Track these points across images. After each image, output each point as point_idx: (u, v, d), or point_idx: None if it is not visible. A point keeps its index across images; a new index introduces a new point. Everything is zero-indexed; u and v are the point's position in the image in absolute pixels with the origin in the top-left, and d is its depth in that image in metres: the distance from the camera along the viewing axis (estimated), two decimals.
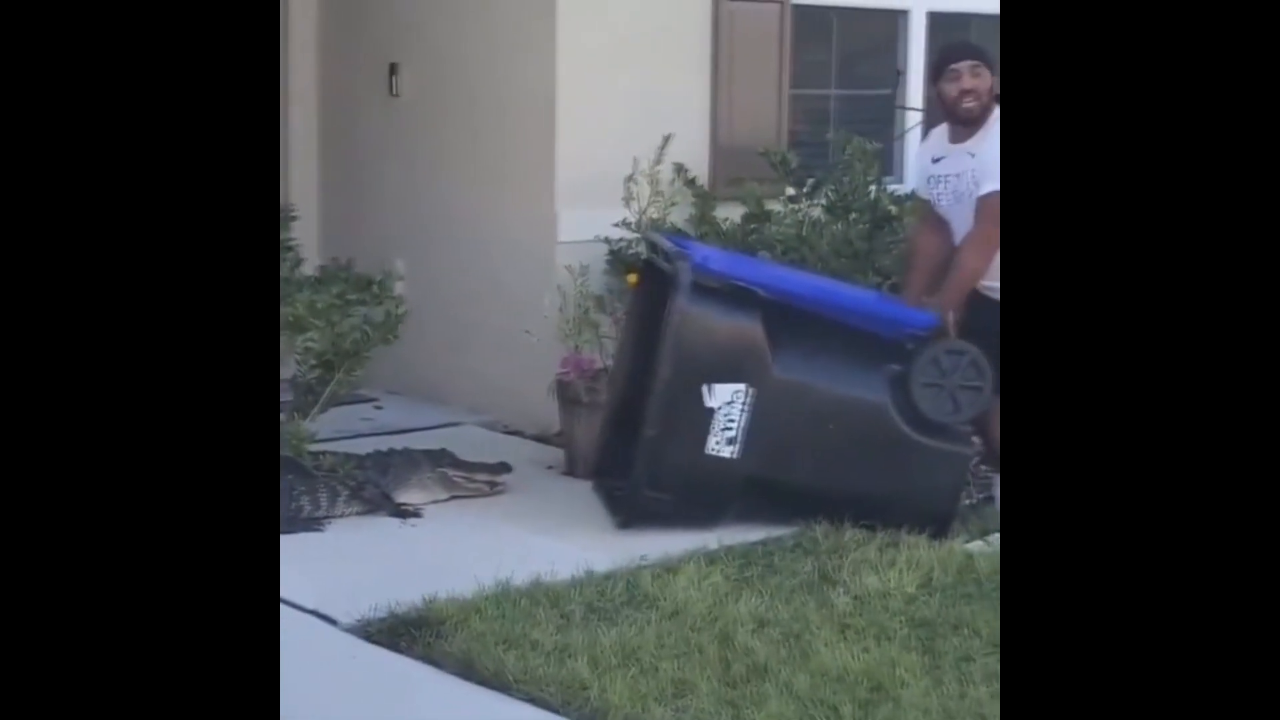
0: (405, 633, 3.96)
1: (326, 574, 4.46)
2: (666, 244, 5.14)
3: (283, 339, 5.15)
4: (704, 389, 4.75)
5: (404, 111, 6.72)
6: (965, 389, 4.88)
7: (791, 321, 4.91)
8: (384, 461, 5.18)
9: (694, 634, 4.00)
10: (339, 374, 5.11)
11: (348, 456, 5.14)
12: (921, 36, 7.19)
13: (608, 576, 4.40)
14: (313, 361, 5.15)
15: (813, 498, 4.88)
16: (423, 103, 6.65)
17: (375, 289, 5.12)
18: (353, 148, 6.95)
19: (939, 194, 5.20)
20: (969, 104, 5.06)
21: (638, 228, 5.87)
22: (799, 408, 4.84)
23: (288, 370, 5.37)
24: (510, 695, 3.65)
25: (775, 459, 4.83)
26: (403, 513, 5.05)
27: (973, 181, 5.02)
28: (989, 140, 4.97)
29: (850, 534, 4.79)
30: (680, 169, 6.15)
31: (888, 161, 6.92)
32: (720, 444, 4.79)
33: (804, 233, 5.99)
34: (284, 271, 5.23)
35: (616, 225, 5.91)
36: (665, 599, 4.24)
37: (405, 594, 4.16)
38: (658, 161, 5.91)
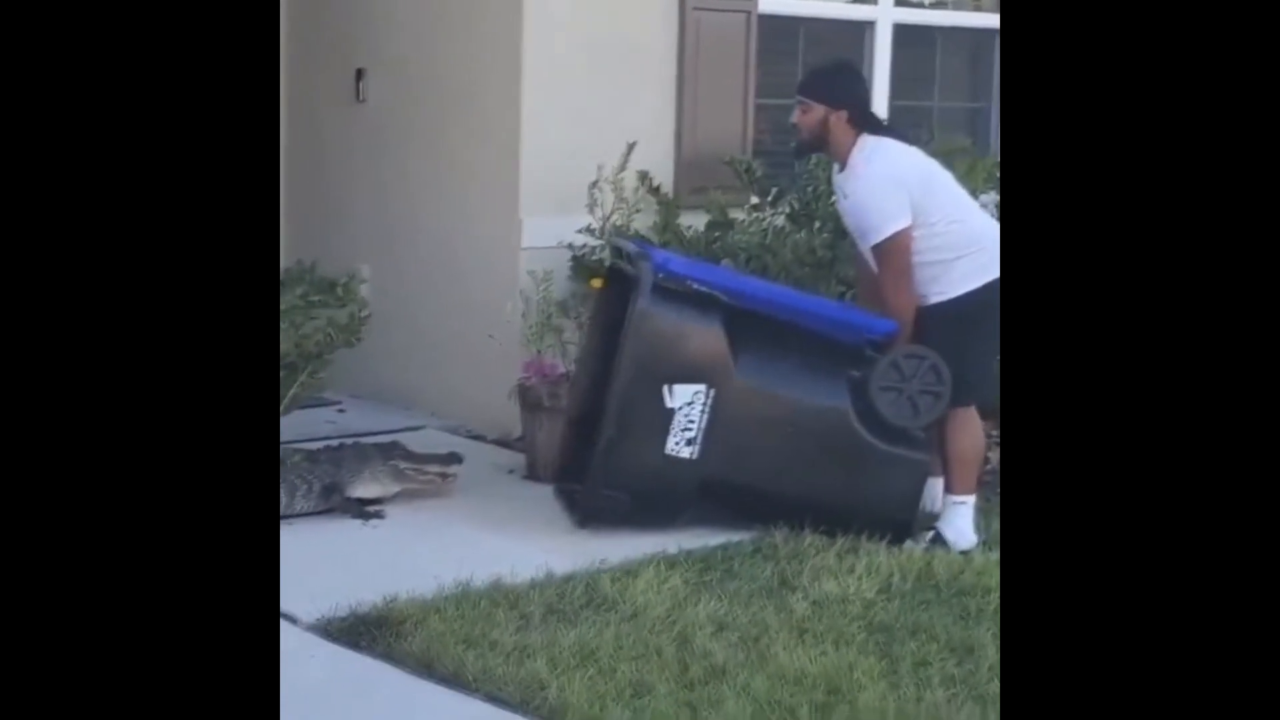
0: (366, 632, 3.97)
1: (287, 573, 4.44)
2: (630, 247, 5.17)
3: None
4: (664, 390, 4.77)
5: (370, 117, 6.73)
6: (925, 394, 4.92)
7: (753, 326, 4.95)
8: (336, 456, 5.15)
9: (653, 636, 4.02)
10: (303, 376, 5.12)
11: (308, 454, 5.13)
12: (888, 48, 7.24)
13: (568, 579, 4.42)
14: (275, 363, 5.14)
15: (771, 501, 4.91)
16: (388, 108, 6.66)
17: (339, 291, 5.12)
18: (318, 152, 6.96)
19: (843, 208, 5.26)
20: (796, 136, 5.23)
21: (601, 234, 5.89)
22: (759, 411, 4.87)
23: None
24: (469, 694, 3.67)
25: (734, 461, 4.86)
26: (364, 513, 5.04)
27: (854, 221, 5.10)
28: (856, 182, 5.01)
29: (810, 539, 4.82)
30: (645, 176, 6.17)
31: None
32: (680, 445, 4.81)
33: (767, 240, 6.02)
34: None
35: (580, 231, 5.93)
36: (625, 602, 4.26)
37: (366, 594, 4.17)
38: (622, 168, 5.94)
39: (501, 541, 4.82)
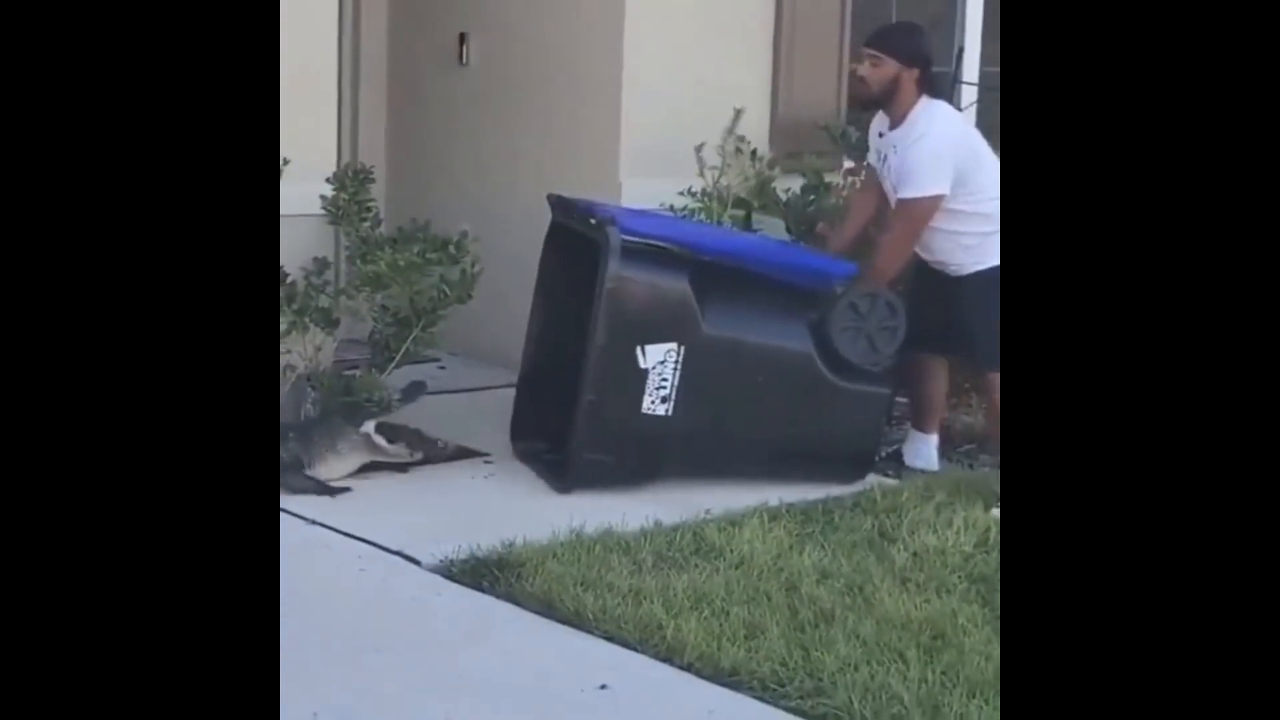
0: (486, 573, 4.13)
1: (407, 519, 4.65)
2: (583, 207, 5.20)
3: (361, 296, 5.34)
4: (638, 350, 4.85)
5: (472, 80, 6.88)
6: (882, 330, 5.09)
7: (716, 278, 5.02)
8: (306, 432, 5.00)
9: (761, 582, 4.17)
10: (415, 331, 5.28)
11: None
12: (979, 14, 7.31)
13: (675, 528, 4.57)
14: (389, 319, 5.32)
15: (744, 447, 5.06)
16: (490, 72, 6.81)
17: (452, 249, 5.27)
18: (421, 114, 7.12)
19: (884, 167, 5.36)
20: (860, 89, 5.34)
21: (705, 196, 6.03)
22: (728, 362, 4.96)
23: (365, 327, 5.56)
24: (589, 633, 3.83)
25: (707, 413, 4.95)
26: (329, 489, 4.86)
27: (895, 176, 5.21)
28: (917, 142, 5.12)
29: (907, 494, 4.95)
30: (742, 139, 6.30)
31: None
32: (655, 403, 4.89)
33: None
34: (363, 231, 5.41)
35: (681, 194, 6.07)
36: (731, 550, 4.41)
37: (483, 538, 4.34)
38: (731, 131, 6.08)
39: (606, 494, 4.92)
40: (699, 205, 6.10)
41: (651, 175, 6.18)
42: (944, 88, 6.04)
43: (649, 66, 6.25)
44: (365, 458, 5.04)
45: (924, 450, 5.55)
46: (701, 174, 6.03)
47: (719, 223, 6.04)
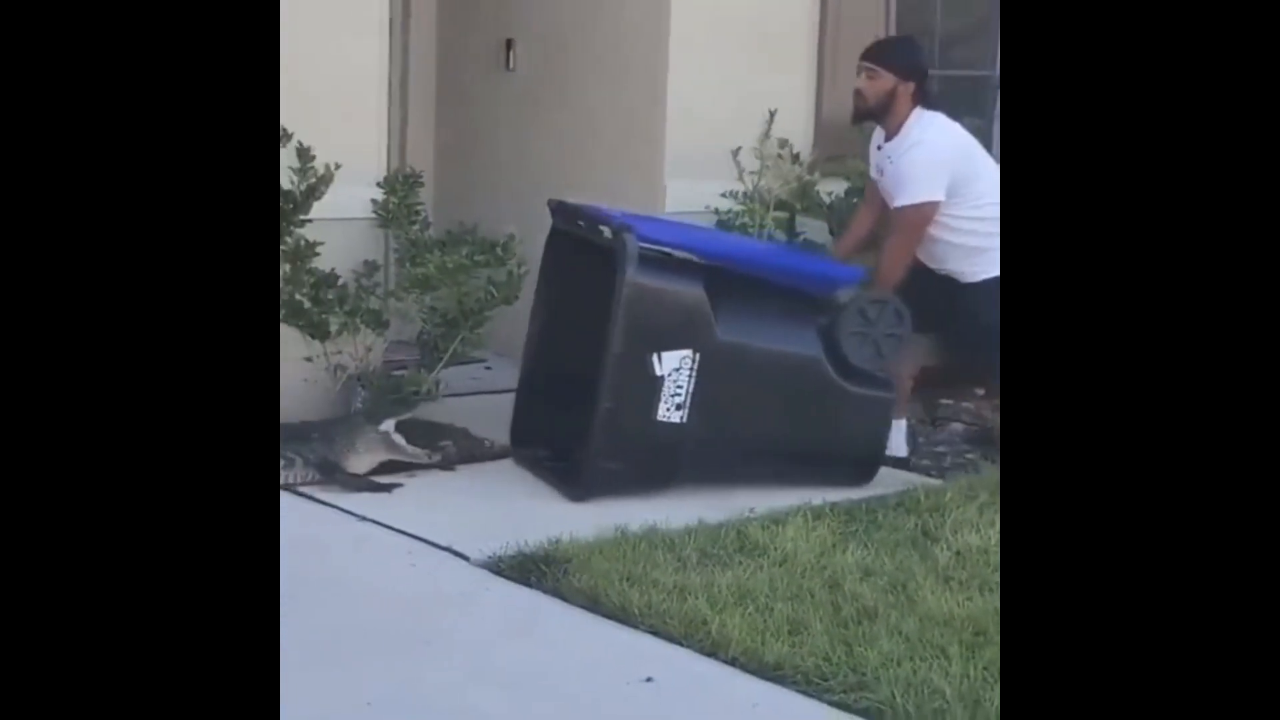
0: (533, 569, 4.20)
1: (453, 517, 4.73)
2: (591, 213, 5.23)
3: (410, 297, 5.43)
4: (653, 358, 4.86)
5: (517, 85, 6.97)
6: (888, 337, 5.14)
7: (729, 284, 5.04)
8: (329, 432, 5.08)
9: (804, 579, 4.21)
10: (463, 332, 5.37)
11: (296, 429, 5.04)
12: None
13: (718, 527, 4.62)
14: (438, 320, 5.40)
15: (755, 451, 5.09)
16: (535, 77, 6.89)
17: (499, 251, 5.35)
18: (469, 119, 7.21)
19: (882, 180, 5.47)
20: (857, 103, 5.41)
21: (746, 199, 6.09)
22: (741, 368, 4.98)
23: (414, 328, 5.65)
24: (635, 627, 3.89)
25: (720, 419, 4.97)
26: (376, 486, 4.97)
27: (895, 185, 5.30)
28: (910, 151, 5.25)
29: (951, 494, 5.00)
30: (784, 143, 6.35)
31: (985, 140, 7.08)
32: (670, 410, 4.90)
33: None
34: (412, 234, 5.51)
35: (724, 196, 6.13)
36: (775, 548, 4.45)
37: (529, 535, 4.40)
38: (766, 135, 6.13)
39: (649, 495, 4.96)
40: (742, 208, 6.17)
41: (695, 178, 6.25)
42: (981, 94, 6.08)
43: (692, 71, 6.32)
44: (383, 456, 5.08)
45: (895, 437, 5.54)
46: (741, 178, 6.08)
47: (762, 225, 6.11)
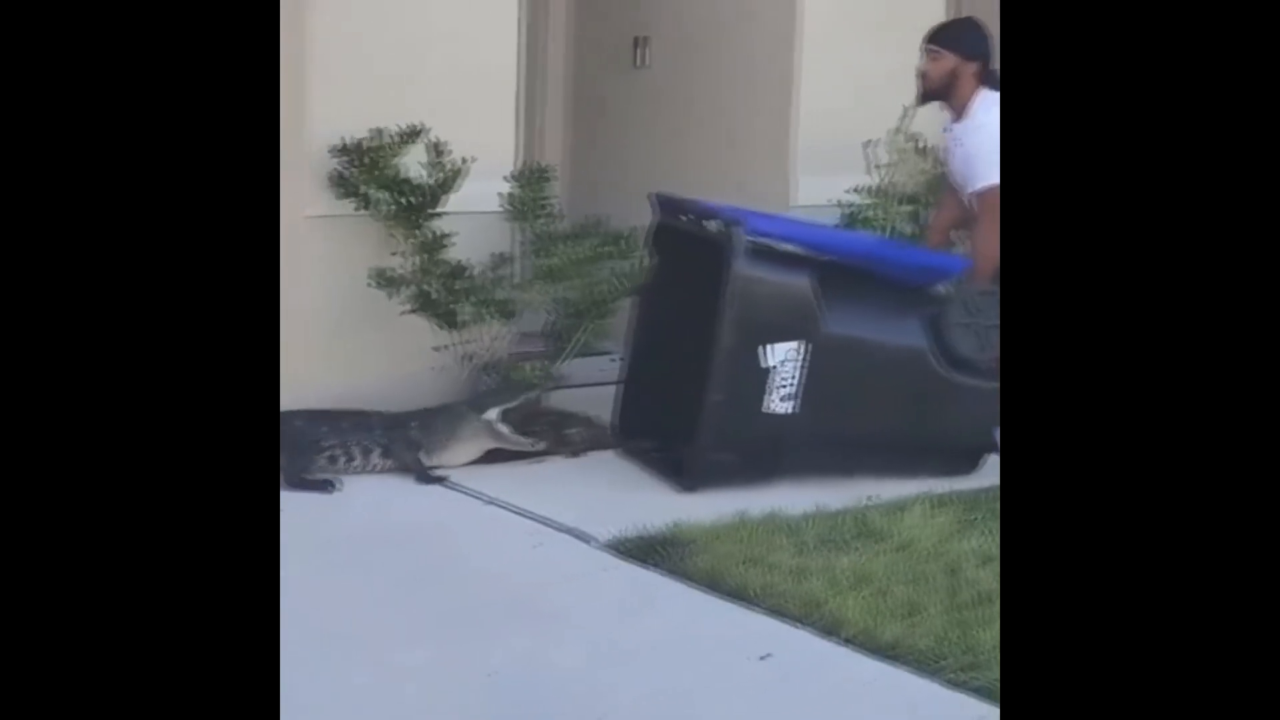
0: (655, 551, 4.29)
1: (579, 500, 4.84)
2: (698, 208, 5.29)
3: (538, 288, 5.55)
4: (761, 350, 4.90)
5: (648, 81, 7.07)
6: (991, 327, 5.12)
7: (835, 276, 5.07)
8: (429, 421, 5.17)
9: (922, 564, 4.26)
10: (589, 322, 5.47)
11: (395, 415, 5.15)
12: None
13: (839, 513, 4.68)
14: (566, 311, 5.52)
15: (862, 442, 5.10)
16: (666, 73, 6.99)
17: (624, 243, 5.45)
18: (600, 115, 7.33)
19: (952, 162, 5.52)
20: (921, 84, 5.47)
21: (875, 193, 6.12)
22: (848, 360, 5.01)
23: (541, 319, 5.77)
24: (753, 608, 3.96)
25: (827, 411, 4.99)
26: (430, 477, 5.03)
27: (966, 167, 5.35)
28: (976, 132, 5.30)
29: None
30: (914, 138, 6.37)
31: None
32: (777, 401, 4.94)
33: None
34: (540, 227, 5.63)
35: (849, 190, 6.17)
36: (894, 534, 4.50)
37: (652, 519, 4.50)
38: (898, 129, 6.16)
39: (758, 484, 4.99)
40: (871, 202, 6.20)
41: (822, 173, 6.29)
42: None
43: (821, 66, 6.38)
44: (488, 444, 5.17)
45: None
46: (869, 171, 6.12)
47: (889, 220, 6.14)
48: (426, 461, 5.07)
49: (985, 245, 5.29)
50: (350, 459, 5.01)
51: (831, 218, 6.20)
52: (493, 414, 5.17)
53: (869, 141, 6.12)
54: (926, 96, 5.55)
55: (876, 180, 6.16)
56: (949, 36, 5.45)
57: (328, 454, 4.98)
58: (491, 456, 5.20)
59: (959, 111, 5.40)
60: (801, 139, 6.40)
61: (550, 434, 5.38)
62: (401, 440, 5.05)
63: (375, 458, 5.03)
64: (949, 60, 5.36)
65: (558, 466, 5.25)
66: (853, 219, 6.19)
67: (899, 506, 4.74)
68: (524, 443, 5.21)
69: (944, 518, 4.66)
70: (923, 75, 5.46)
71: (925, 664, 3.63)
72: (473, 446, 5.16)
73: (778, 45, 6.44)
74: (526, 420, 5.39)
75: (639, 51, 7.06)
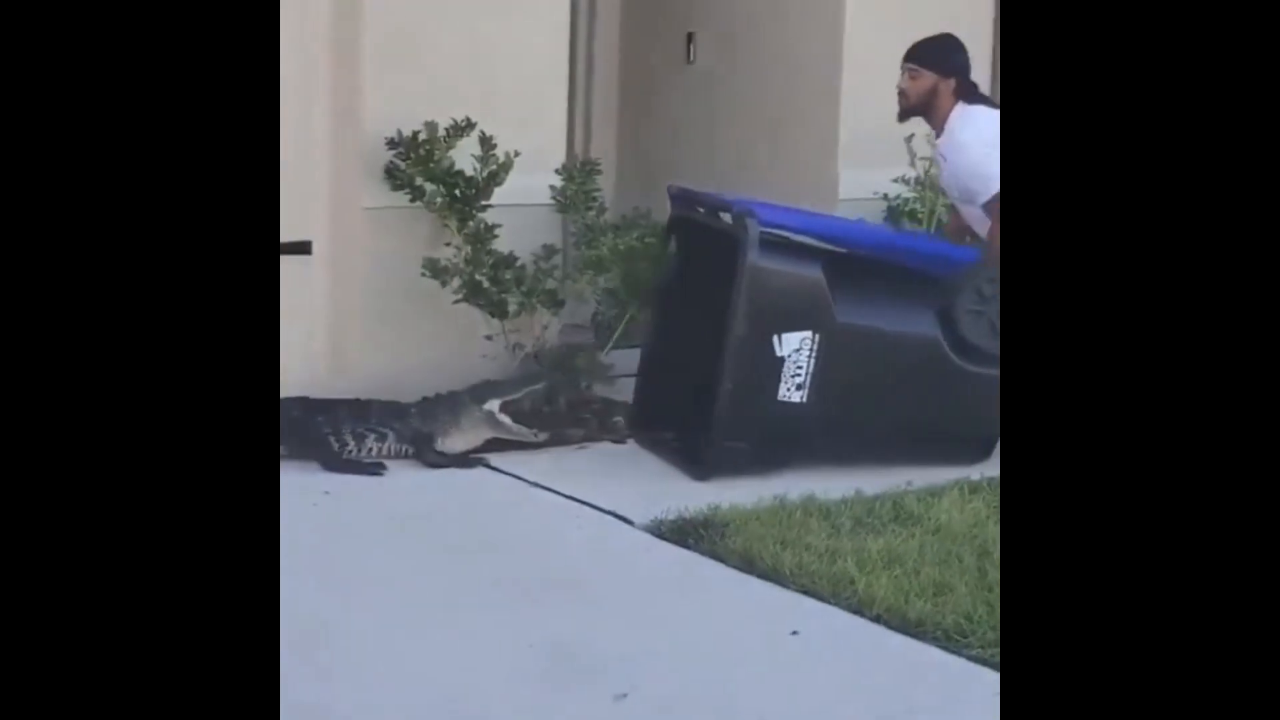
0: (692, 532, 4.43)
1: (619, 484, 4.98)
2: (711, 198, 5.38)
3: (585, 278, 5.69)
4: (774, 339, 4.97)
5: (697, 77, 7.19)
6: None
7: (846, 267, 5.13)
8: (430, 409, 5.26)
9: (954, 547, 4.35)
10: (630, 311, 5.60)
11: (395, 404, 5.27)
12: None
13: (875, 497, 4.78)
14: (611, 301, 5.65)
15: (874, 431, 5.15)
16: (715, 69, 7.11)
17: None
18: (650, 110, 7.47)
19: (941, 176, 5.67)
20: (900, 102, 5.54)
21: (918, 185, 6.22)
22: (860, 349, 5.06)
23: (588, 308, 5.91)
24: (786, 587, 4.09)
25: (839, 400, 5.05)
26: (437, 462, 5.14)
27: (955, 183, 5.47)
28: (957, 151, 5.41)
29: None
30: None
31: None
32: (790, 390, 5.00)
33: None
34: (588, 219, 5.76)
35: (895, 181, 6.27)
36: (929, 518, 4.60)
37: (690, 502, 4.63)
38: (908, 146, 6.25)
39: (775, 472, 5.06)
40: (914, 194, 6.30)
41: (868, 165, 6.39)
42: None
43: (867, 60, 6.46)
44: (487, 434, 5.25)
45: None
46: (913, 164, 6.21)
47: (932, 211, 6.23)
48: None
49: (996, 247, 5.34)
50: (361, 445, 5.13)
51: (876, 210, 6.31)
52: (493, 404, 5.25)
53: (911, 135, 6.20)
54: (906, 113, 5.62)
55: (918, 172, 6.25)
56: (927, 55, 5.52)
57: (330, 440, 5.11)
58: (511, 444, 5.30)
59: (938, 128, 5.50)
60: (846, 132, 6.50)
61: (594, 422, 5.50)
62: (405, 427, 5.17)
63: (370, 442, 5.14)
64: (928, 79, 5.45)
65: (596, 453, 5.38)
66: (896, 211, 6.28)
67: (934, 492, 4.83)
68: (525, 433, 5.28)
69: (978, 503, 4.75)
70: (901, 93, 5.54)
71: (951, 640, 3.73)
72: (472, 436, 5.25)
73: (824, 39, 6.56)
74: (573, 407, 5.53)
75: (689, 47, 7.19)
